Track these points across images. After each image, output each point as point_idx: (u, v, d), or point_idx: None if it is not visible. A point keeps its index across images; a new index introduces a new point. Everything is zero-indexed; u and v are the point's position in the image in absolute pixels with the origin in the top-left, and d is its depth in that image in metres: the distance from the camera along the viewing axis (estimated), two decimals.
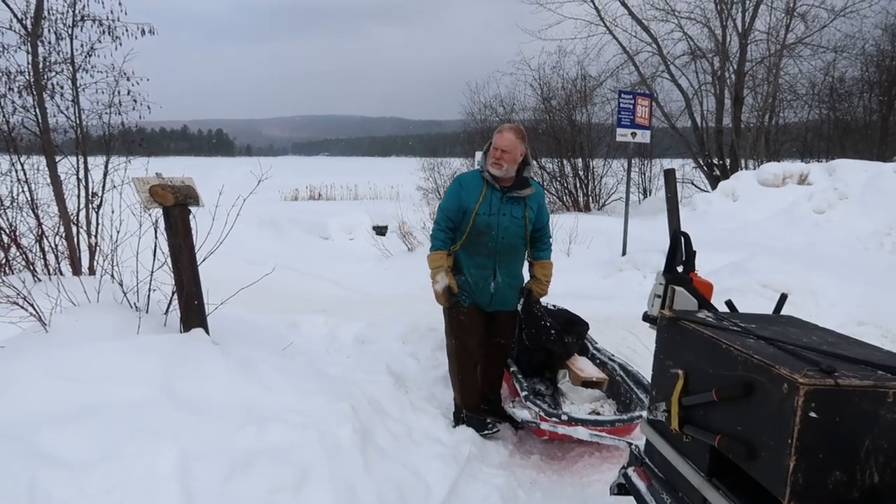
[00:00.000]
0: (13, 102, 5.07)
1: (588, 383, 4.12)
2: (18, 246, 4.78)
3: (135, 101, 5.52)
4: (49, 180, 4.94)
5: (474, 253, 3.85)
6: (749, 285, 6.38)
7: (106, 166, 5.04)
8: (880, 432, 1.38)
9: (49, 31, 5.21)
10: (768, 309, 2.17)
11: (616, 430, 3.56)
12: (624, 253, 9.09)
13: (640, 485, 2.19)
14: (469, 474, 3.37)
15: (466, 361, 3.97)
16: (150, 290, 3.68)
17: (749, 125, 18.91)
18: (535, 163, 20.43)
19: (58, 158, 4.96)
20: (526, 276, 4.11)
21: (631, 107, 9.15)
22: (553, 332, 4.24)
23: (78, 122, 5.18)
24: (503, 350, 4.14)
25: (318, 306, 6.97)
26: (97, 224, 4.96)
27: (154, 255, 3.63)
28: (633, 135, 9.22)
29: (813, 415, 1.35)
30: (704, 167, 19.55)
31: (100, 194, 4.99)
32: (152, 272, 3.64)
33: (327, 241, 12.67)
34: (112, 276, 4.01)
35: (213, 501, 2.37)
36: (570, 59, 30.57)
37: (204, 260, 3.56)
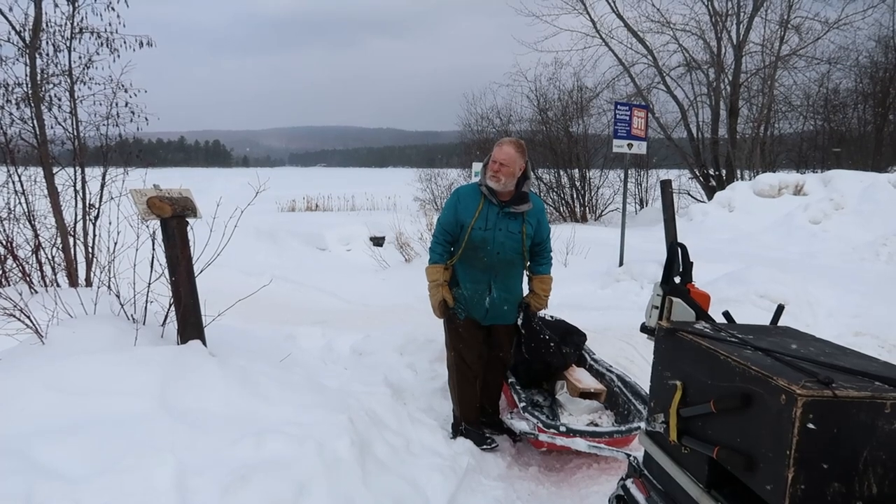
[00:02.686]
0: (11, 114, 5.07)
1: (586, 394, 4.12)
2: (15, 257, 4.76)
3: (132, 112, 5.53)
4: (46, 192, 4.93)
5: (470, 267, 3.84)
6: (746, 296, 6.39)
7: (103, 177, 5.03)
8: (878, 443, 1.39)
9: (47, 43, 5.23)
10: (765, 319, 2.18)
11: (614, 442, 3.55)
12: (621, 263, 9.10)
13: (639, 496, 2.18)
14: (468, 486, 3.36)
15: (466, 373, 3.96)
16: (147, 301, 3.68)
17: (745, 136, 19.04)
18: (533, 175, 20.54)
19: (55, 170, 4.96)
20: (525, 290, 4.10)
21: (627, 118, 9.20)
22: (552, 344, 4.24)
23: (75, 133, 5.18)
24: (502, 363, 4.13)
25: (315, 318, 6.97)
26: (94, 235, 4.95)
27: (151, 267, 3.63)
28: (630, 146, 9.26)
29: (811, 426, 1.36)
30: (700, 178, 19.66)
31: (97, 206, 4.98)
32: (149, 284, 3.64)
33: (324, 253, 12.66)
34: (109, 287, 4.01)
35: None
36: (566, 70, 30.79)
37: (201, 271, 3.56)
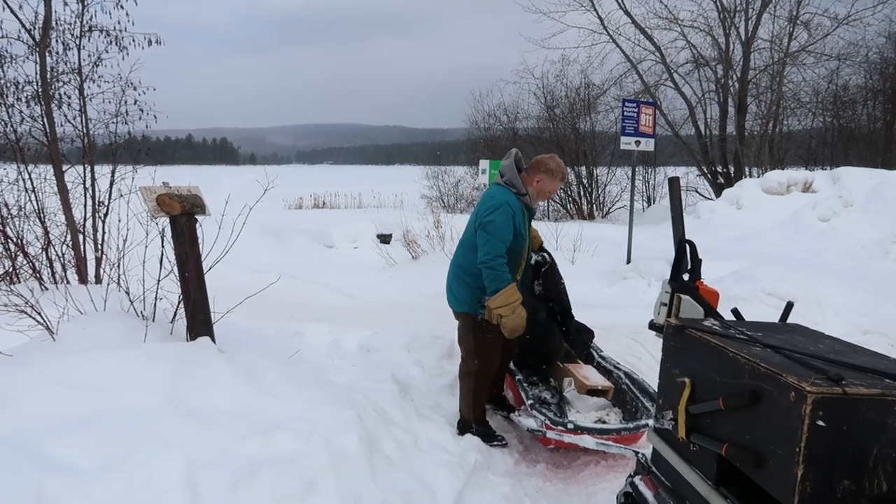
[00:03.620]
0: (21, 112, 5.11)
1: (593, 391, 4.12)
2: (26, 255, 4.80)
3: (141, 110, 5.55)
4: (56, 189, 4.96)
5: (514, 270, 3.81)
6: (754, 293, 6.37)
7: (112, 175, 5.06)
8: (888, 441, 1.38)
9: (57, 41, 5.25)
10: (774, 317, 2.18)
11: (622, 439, 3.56)
12: (628, 261, 9.09)
13: (647, 493, 2.18)
14: (475, 483, 3.37)
15: (484, 382, 3.99)
16: (156, 298, 3.69)
17: (753, 133, 18.94)
18: None
19: (65, 167, 4.99)
20: None
21: (635, 115, 9.17)
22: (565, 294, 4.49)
23: (85, 131, 5.21)
24: (511, 344, 4.09)
25: (322, 315, 6.99)
26: (104, 233, 4.98)
27: (160, 264, 3.65)
28: (637, 143, 9.24)
29: (820, 423, 1.35)
30: (708, 175, 19.58)
31: (106, 203, 5.01)
32: (159, 281, 3.65)
33: (331, 250, 12.68)
34: (118, 284, 4.03)
35: None
36: (573, 67, 30.83)
37: (210, 269, 3.58)
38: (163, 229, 3.62)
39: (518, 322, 3.65)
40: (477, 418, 4.00)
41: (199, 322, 3.44)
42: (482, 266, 3.64)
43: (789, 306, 2.17)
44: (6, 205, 4.95)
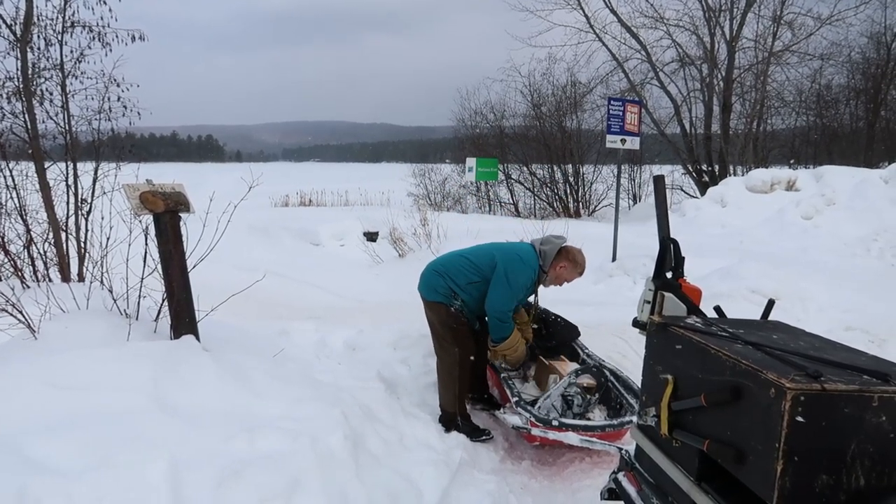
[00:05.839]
0: (2, 108, 5.04)
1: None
2: (7, 252, 4.74)
3: (125, 107, 5.51)
4: (38, 186, 4.91)
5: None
6: (738, 291, 6.42)
7: (95, 172, 5.01)
8: (865, 436, 1.40)
9: (38, 36, 5.20)
10: (757, 314, 2.19)
11: (606, 436, 3.57)
12: (614, 259, 9.13)
13: (631, 489, 2.20)
14: (461, 480, 3.38)
15: (466, 369, 4.09)
16: (140, 296, 3.67)
17: (737, 132, 19.07)
18: (525, 169, 20.42)
19: (47, 164, 4.93)
20: None
21: (620, 113, 9.21)
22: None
23: (67, 128, 5.15)
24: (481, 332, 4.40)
25: (308, 313, 6.96)
26: (86, 230, 4.93)
27: (144, 262, 3.62)
28: (623, 141, 9.28)
29: (800, 419, 1.37)
30: (693, 173, 19.70)
31: (89, 200, 4.96)
32: (142, 279, 3.63)
33: (318, 248, 12.62)
34: (102, 282, 3.99)
35: None
36: (559, 65, 30.91)
37: (194, 267, 3.55)
38: (146, 227, 3.59)
39: (519, 356, 4.23)
40: (462, 412, 4.03)
41: (183, 320, 3.42)
42: (493, 314, 4.00)
43: (770, 304, 2.19)
44: None
